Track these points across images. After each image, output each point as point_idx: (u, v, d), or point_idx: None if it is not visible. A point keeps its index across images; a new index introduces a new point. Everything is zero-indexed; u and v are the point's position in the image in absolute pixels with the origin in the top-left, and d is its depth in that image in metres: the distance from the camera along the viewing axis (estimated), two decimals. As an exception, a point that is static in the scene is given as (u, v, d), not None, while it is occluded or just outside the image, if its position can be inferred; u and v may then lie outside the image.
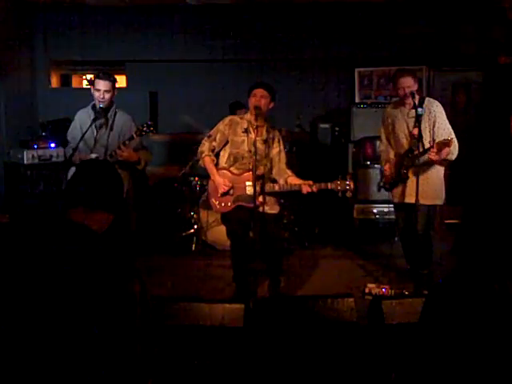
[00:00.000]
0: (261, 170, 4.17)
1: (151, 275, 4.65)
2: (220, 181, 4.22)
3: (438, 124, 4.27)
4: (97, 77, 4.50)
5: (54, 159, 5.79)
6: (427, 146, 4.13)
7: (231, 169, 4.27)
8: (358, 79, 6.68)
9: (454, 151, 4.18)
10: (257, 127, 4.20)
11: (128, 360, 1.65)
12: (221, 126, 4.31)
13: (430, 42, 6.49)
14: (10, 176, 5.85)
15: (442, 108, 4.34)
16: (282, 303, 2.76)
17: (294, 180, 4.20)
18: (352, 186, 4.00)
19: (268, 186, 4.20)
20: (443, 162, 4.31)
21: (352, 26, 6.56)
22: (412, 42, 6.51)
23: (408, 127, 4.36)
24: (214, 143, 4.29)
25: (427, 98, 4.43)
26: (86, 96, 4.82)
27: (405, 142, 4.39)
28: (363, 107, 6.29)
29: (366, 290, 4.40)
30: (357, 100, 6.62)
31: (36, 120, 6.61)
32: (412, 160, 4.25)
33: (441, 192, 4.43)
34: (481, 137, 6.51)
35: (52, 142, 5.89)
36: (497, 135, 6.33)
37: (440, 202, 4.47)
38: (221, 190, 4.22)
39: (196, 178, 5.76)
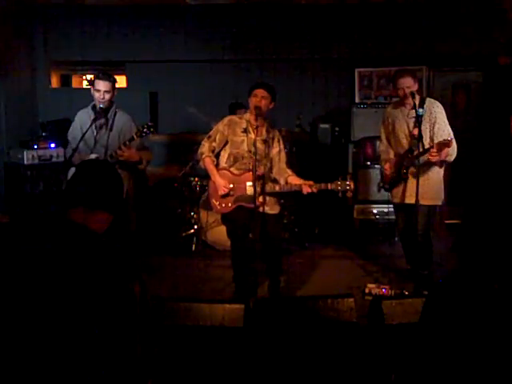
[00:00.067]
0: (261, 170, 4.17)
1: (151, 275, 4.65)
2: (221, 182, 4.22)
3: (438, 125, 4.27)
4: (97, 77, 4.50)
5: (54, 159, 5.80)
6: (427, 146, 4.13)
7: (231, 169, 4.27)
8: (358, 79, 6.68)
9: (452, 152, 4.18)
10: (257, 127, 4.19)
11: (128, 360, 1.65)
12: (220, 126, 4.31)
13: (430, 42, 6.50)
14: (10, 176, 5.85)
15: (442, 109, 4.34)
16: (282, 303, 2.77)
17: (294, 180, 4.21)
18: (352, 186, 4.00)
19: (268, 187, 4.20)
20: (442, 163, 4.31)
21: (352, 26, 6.56)
22: (412, 42, 6.51)
23: (408, 127, 4.36)
24: (213, 144, 4.29)
25: (428, 99, 4.43)
26: (86, 96, 4.82)
27: (405, 142, 4.39)
28: (363, 107, 6.29)
29: (366, 291, 4.40)
30: (357, 100, 6.63)
31: (36, 120, 6.61)
32: (412, 160, 4.25)
33: (440, 192, 4.43)
34: (481, 137, 6.51)
35: (52, 143, 5.89)
36: (497, 135, 6.33)
37: (439, 202, 4.48)
38: (220, 192, 4.22)
39: (196, 179, 5.76)
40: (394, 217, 4.86)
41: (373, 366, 2.38)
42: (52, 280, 1.64)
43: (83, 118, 4.58)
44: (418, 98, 4.28)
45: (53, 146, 5.86)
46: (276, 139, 4.34)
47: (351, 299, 2.56)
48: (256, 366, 2.41)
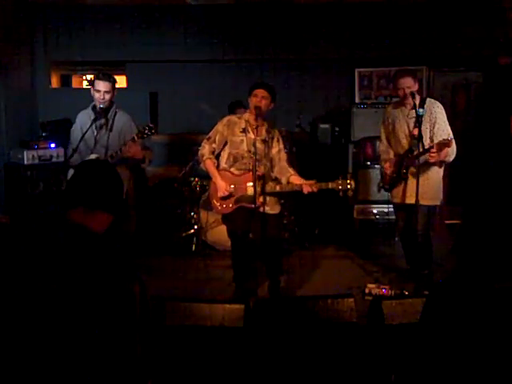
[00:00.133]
0: (261, 170, 4.17)
1: (151, 275, 4.65)
2: (221, 185, 4.21)
3: (438, 125, 4.27)
4: (96, 78, 4.50)
5: (54, 159, 5.79)
6: (427, 146, 4.13)
7: (232, 169, 4.27)
8: (358, 79, 6.68)
9: (451, 153, 4.18)
10: (256, 127, 4.19)
11: (128, 360, 1.65)
12: (219, 126, 4.31)
13: (430, 42, 6.49)
14: (10, 176, 5.84)
15: (443, 109, 4.34)
16: (282, 303, 2.76)
17: (295, 179, 4.19)
18: (353, 184, 3.99)
19: (269, 186, 4.20)
20: (441, 163, 4.31)
21: (352, 27, 6.56)
22: (412, 43, 6.51)
23: (408, 127, 4.36)
24: (213, 145, 4.29)
25: (428, 99, 4.43)
26: (86, 96, 4.82)
27: (405, 142, 4.39)
28: (363, 107, 6.29)
29: (366, 291, 4.40)
30: (357, 100, 6.62)
31: (36, 120, 6.61)
32: (412, 160, 4.25)
33: (439, 192, 4.43)
34: (481, 137, 6.51)
35: (52, 143, 5.89)
36: (497, 135, 6.33)
37: (438, 202, 4.48)
38: (219, 194, 4.22)
39: (196, 179, 5.76)
40: (393, 217, 4.86)
41: (373, 366, 2.38)
42: (52, 280, 1.64)
43: (83, 119, 4.59)
44: (418, 98, 4.28)
45: (53, 146, 5.86)
46: (275, 139, 4.34)
47: (351, 299, 2.56)
48: (256, 366, 2.41)
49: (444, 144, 4.03)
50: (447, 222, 6.07)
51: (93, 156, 4.38)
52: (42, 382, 1.59)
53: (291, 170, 4.28)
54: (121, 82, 6.63)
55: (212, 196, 4.36)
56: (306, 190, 4.05)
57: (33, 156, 5.69)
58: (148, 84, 6.80)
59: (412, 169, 4.29)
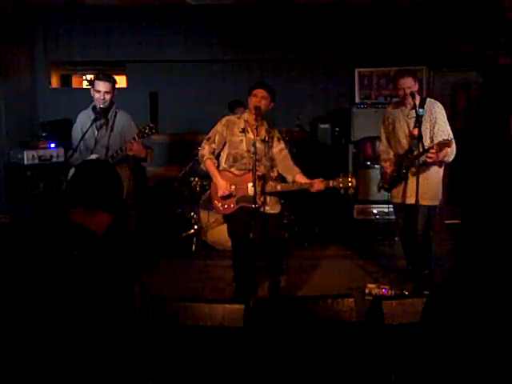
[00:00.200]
0: (261, 170, 4.17)
1: (151, 275, 4.65)
2: (222, 184, 4.21)
3: (438, 125, 4.27)
4: (97, 78, 4.50)
5: (54, 159, 5.80)
6: (427, 146, 4.12)
7: (232, 169, 4.27)
8: (358, 79, 6.68)
9: (450, 153, 4.18)
10: (256, 127, 4.19)
11: (128, 360, 1.65)
12: (218, 127, 4.31)
13: (430, 42, 6.50)
14: (10, 176, 5.84)
15: (443, 109, 4.34)
16: (282, 303, 2.76)
17: (301, 178, 4.18)
18: (354, 182, 3.97)
19: (269, 186, 4.19)
20: (441, 163, 4.31)
21: (352, 27, 6.56)
22: (412, 42, 6.51)
23: (408, 127, 4.36)
24: (213, 145, 4.29)
25: (428, 99, 4.42)
26: (86, 96, 4.82)
27: (405, 142, 4.39)
28: (363, 107, 6.29)
29: (366, 291, 4.40)
30: (357, 100, 6.62)
31: (36, 120, 6.61)
32: (412, 160, 4.25)
33: (439, 192, 4.43)
34: (481, 137, 6.51)
35: (52, 143, 5.89)
36: (497, 135, 6.33)
37: (438, 202, 4.48)
38: (220, 194, 4.21)
39: (196, 179, 5.76)
40: (394, 217, 4.86)
41: (373, 366, 2.38)
42: (52, 280, 1.64)
43: (84, 119, 4.59)
44: (418, 98, 4.28)
45: (53, 146, 5.86)
46: (276, 138, 4.33)
47: (351, 299, 2.56)
48: (256, 366, 2.41)
49: (444, 144, 4.03)
50: (447, 221, 6.07)
51: (93, 156, 4.38)
52: (42, 382, 1.59)
53: (297, 169, 4.26)
54: (121, 82, 6.63)
55: (213, 197, 4.36)
56: (316, 187, 4.04)
57: (33, 156, 5.70)
58: (148, 84, 6.81)
59: (412, 169, 4.29)
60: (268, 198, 4.20)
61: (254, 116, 4.19)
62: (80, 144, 4.42)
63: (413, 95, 4.20)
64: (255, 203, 4.01)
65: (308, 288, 4.70)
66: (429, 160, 4.12)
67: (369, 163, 6.02)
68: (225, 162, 4.29)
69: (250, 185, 4.14)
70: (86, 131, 4.39)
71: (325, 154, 6.34)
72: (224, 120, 4.33)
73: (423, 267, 4.39)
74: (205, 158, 4.29)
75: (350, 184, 3.96)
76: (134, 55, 6.73)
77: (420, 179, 4.09)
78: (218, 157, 4.36)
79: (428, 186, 4.25)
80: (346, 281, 4.78)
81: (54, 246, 1.71)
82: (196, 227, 5.74)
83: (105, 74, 4.58)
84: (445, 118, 4.32)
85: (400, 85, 4.27)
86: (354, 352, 2.43)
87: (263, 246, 4.28)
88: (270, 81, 4.63)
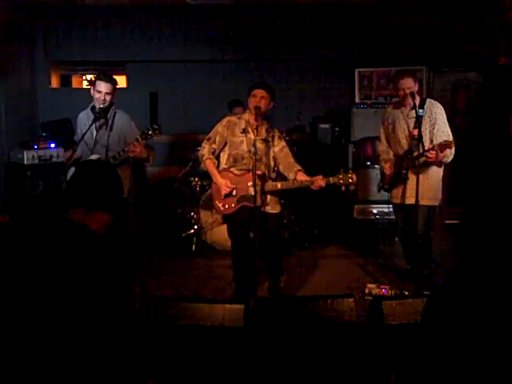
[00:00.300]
0: (262, 170, 4.17)
1: (151, 275, 4.65)
2: (222, 182, 4.21)
3: (438, 126, 4.27)
4: (98, 78, 4.50)
5: (54, 159, 5.78)
6: (427, 147, 4.12)
7: (232, 170, 4.27)
8: (358, 79, 6.68)
9: (449, 154, 4.18)
10: (256, 127, 4.19)
11: (128, 360, 1.65)
12: (219, 127, 4.31)
13: (430, 42, 6.50)
14: (10, 176, 5.84)
15: (443, 110, 4.34)
16: (282, 303, 2.76)
17: (302, 176, 4.18)
18: (355, 178, 3.94)
19: (270, 185, 4.19)
20: (440, 163, 4.31)
21: (352, 27, 6.56)
22: (412, 42, 6.51)
23: (408, 128, 4.36)
24: (213, 145, 4.29)
25: (428, 99, 4.42)
26: (85, 96, 4.82)
27: (405, 142, 4.39)
28: (363, 107, 6.29)
29: (366, 291, 4.40)
30: (357, 100, 6.62)
31: (36, 120, 6.61)
32: (411, 161, 4.25)
33: (439, 193, 4.43)
34: (481, 137, 6.51)
35: (52, 143, 5.88)
36: (497, 135, 6.33)
37: (437, 202, 4.48)
38: (223, 192, 4.21)
39: (196, 179, 5.76)
40: (393, 217, 4.86)
41: (373, 366, 2.38)
42: (52, 280, 1.64)
43: (83, 120, 4.60)
44: (418, 98, 4.28)
45: (53, 146, 5.85)
46: (276, 137, 4.33)
47: (351, 299, 2.56)
48: (256, 366, 2.41)
49: (445, 145, 4.03)
50: (447, 221, 6.07)
51: (93, 156, 4.39)
52: (42, 381, 1.59)
53: (298, 166, 4.24)
54: (121, 82, 6.62)
55: (214, 197, 4.36)
56: (317, 184, 4.03)
57: (33, 156, 5.69)
58: (148, 84, 6.80)
59: (412, 169, 4.29)
60: (268, 198, 4.20)
61: (254, 116, 4.19)
62: (80, 144, 4.42)
63: (413, 96, 4.20)
64: (255, 203, 4.01)
65: (308, 288, 4.70)
66: (429, 160, 4.12)
67: (369, 163, 6.02)
68: (225, 163, 4.30)
69: (251, 184, 4.14)
70: (86, 131, 4.39)
71: (325, 154, 6.34)
72: (225, 121, 4.33)
73: (423, 267, 4.39)
74: (205, 157, 4.30)
75: (350, 180, 3.94)
76: (134, 55, 6.73)
77: (420, 179, 4.09)
78: (217, 157, 4.36)
79: (428, 186, 4.25)
80: (346, 281, 4.78)
81: (54, 246, 1.71)
82: (196, 227, 5.74)
83: (106, 74, 4.58)
84: (445, 119, 4.32)
85: (400, 85, 4.26)
86: (354, 352, 2.43)
87: (263, 246, 4.28)
88: (269, 81, 4.63)
